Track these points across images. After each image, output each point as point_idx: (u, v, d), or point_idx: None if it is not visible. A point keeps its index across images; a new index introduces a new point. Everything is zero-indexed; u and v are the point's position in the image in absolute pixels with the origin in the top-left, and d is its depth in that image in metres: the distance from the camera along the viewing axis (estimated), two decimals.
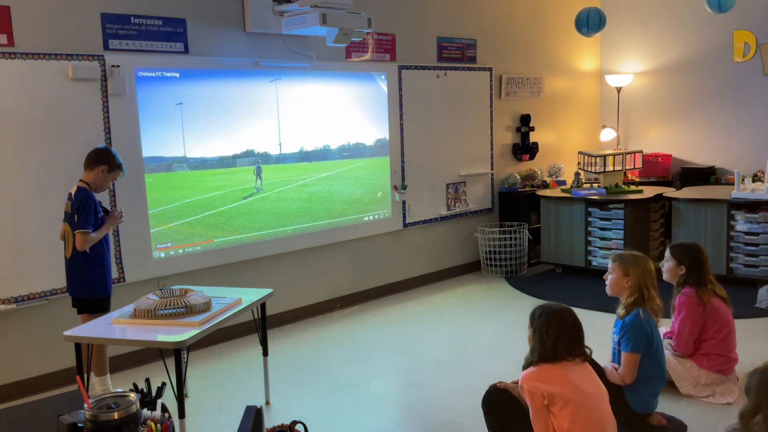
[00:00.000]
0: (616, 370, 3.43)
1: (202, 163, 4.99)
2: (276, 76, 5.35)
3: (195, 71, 4.91)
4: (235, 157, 5.15)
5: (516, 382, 2.97)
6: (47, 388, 4.30)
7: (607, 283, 3.58)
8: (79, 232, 3.78)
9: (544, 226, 6.96)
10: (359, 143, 5.97)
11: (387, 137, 6.15)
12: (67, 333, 3.29)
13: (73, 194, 3.87)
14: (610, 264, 3.59)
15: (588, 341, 2.98)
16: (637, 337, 3.34)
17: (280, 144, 5.40)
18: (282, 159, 5.44)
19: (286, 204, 5.47)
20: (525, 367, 2.89)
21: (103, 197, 4.38)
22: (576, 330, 2.85)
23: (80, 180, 3.91)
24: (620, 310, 3.49)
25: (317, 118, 5.65)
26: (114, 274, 4.53)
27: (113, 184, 4.46)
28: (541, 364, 2.82)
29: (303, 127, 5.56)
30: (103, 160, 3.92)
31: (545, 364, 2.81)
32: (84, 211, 3.79)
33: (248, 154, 5.22)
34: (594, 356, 3.15)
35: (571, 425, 2.72)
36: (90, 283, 3.91)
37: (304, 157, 5.59)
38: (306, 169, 5.61)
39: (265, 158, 5.32)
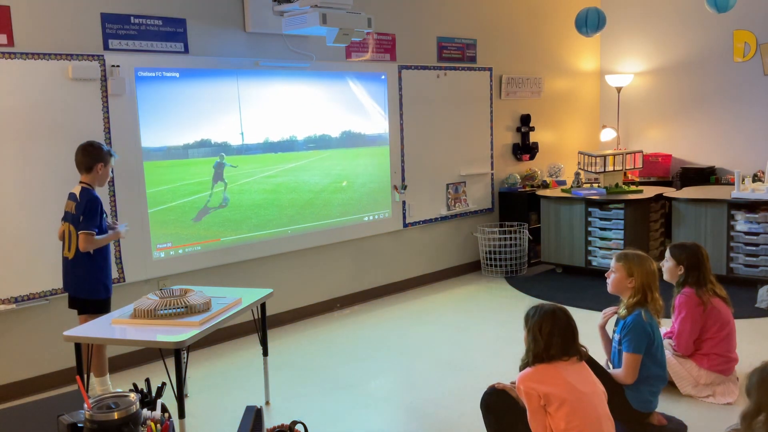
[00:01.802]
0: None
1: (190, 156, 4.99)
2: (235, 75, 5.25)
3: (195, 71, 4.91)
4: (206, 147, 5.13)
5: (514, 383, 2.97)
6: (47, 388, 4.30)
7: (609, 281, 3.56)
8: (84, 233, 3.78)
9: (544, 226, 6.96)
10: (326, 134, 5.78)
11: (351, 129, 5.94)
12: (67, 333, 3.29)
13: (77, 194, 3.87)
14: (613, 262, 3.55)
15: (588, 341, 2.98)
16: (639, 338, 3.34)
17: (242, 134, 5.25)
18: (245, 150, 5.28)
19: (249, 196, 5.29)
20: (521, 368, 2.89)
21: (103, 196, 4.40)
22: (569, 329, 2.85)
23: (80, 182, 3.91)
24: (621, 311, 3.48)
25: (284, 112, 5.53)
26: (114, 274, 4.52)
27: (113, 184, 4.48)
28: (537, 364, 2.83)
29: (267, 119, 5.42)
30: (96, 158, 3.91)
31: (541, 364, 2.82)
32: (90, 212, 3.80)
33: (222, 148, 5.21)
34: (592, 355, 3.15)
35: (567, 425, 2.72)
36: (93, 284, 3.92)
37: (269, 148, 5.41)
38: (271, 160, 5.44)
39: (227, 149, 5.15)
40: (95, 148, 3.94)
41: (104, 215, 3.96)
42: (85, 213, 3.79)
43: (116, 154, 4.09)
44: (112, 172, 4.44)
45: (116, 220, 4.47)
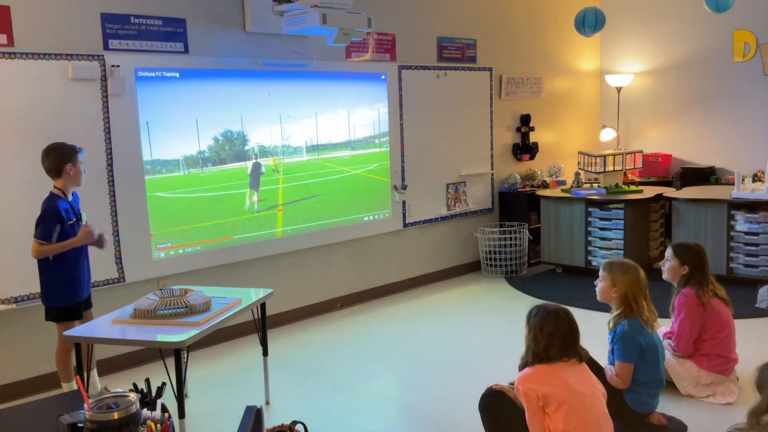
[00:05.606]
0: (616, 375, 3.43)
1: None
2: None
3: (195, 71, 4.91)
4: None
5: (512, 384, 2.97)
6: (47, 388, 4.30)
7: (596, 290, 3.57)
8: (34, 241, 3.65)
9: (544, 226, 6.96)
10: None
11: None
12: (67, 333, 3.29)
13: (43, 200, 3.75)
14: (600, 271, 3.57)
15: (587, 341, 2.98)
16: (628, 348, 3.34)
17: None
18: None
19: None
20: (521, 367, 2.90)
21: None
22: (571, 331, 2.85)
23: (54, 187, 3.78)
24: (609, 322, 3.47)
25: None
26: (114, 274, 4.54)
27: (113, 184, 4.49)
28: (536, 364, 2.83)
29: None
30: (62, 159, 3.75)
31: (540, 365, 2.82)
32: (43, 219, 3.66)
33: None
34: (593, 356, 3.15)
35: (566, 426, 2.72)
36: (51, 291, 3.78)
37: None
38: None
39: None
40: (57, 150, 3.77)
41: (76, 221, 3.80)
42: (40, 219, 3.66)
43: (83, 150, 3.89)
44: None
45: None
